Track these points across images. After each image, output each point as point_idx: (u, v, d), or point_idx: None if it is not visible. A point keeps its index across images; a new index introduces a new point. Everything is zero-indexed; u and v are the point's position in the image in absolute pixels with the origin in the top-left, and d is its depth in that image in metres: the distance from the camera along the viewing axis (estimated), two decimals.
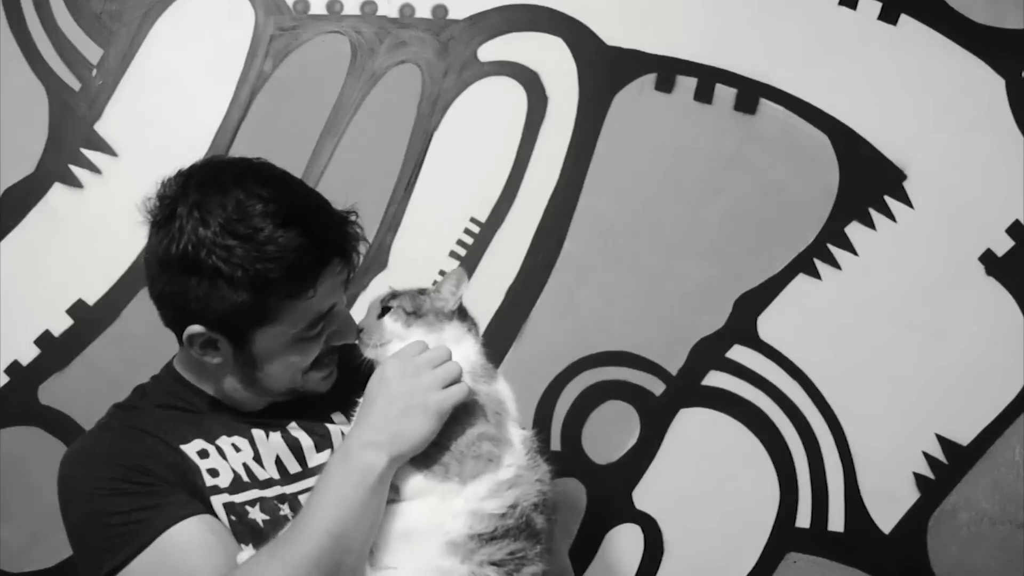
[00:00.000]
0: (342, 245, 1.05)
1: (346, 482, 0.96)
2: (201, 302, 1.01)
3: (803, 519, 1.62)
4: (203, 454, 1.07)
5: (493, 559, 0.97)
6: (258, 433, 1.11)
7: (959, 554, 1.62)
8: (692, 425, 1.62)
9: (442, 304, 1.10)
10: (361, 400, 1.04)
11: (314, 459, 1.12)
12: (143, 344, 1.52)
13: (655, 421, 1.62)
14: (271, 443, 1.11)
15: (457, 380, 1.02)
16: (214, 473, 1.06)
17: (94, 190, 1.56)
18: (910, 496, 1.62)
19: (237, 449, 1.09)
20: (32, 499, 1.54)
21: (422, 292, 1.12)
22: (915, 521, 1.62)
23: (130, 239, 1.52)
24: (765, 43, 1.61)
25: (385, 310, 1.10)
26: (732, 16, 1.61)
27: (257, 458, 1.09)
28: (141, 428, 1.07)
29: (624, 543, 1.61)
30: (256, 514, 1.05)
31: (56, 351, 1.55)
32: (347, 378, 1.15)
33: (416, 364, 1.01)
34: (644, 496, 1.62)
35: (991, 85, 1.61)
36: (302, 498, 1.08)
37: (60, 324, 1.55)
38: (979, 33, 1.61)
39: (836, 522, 1.62)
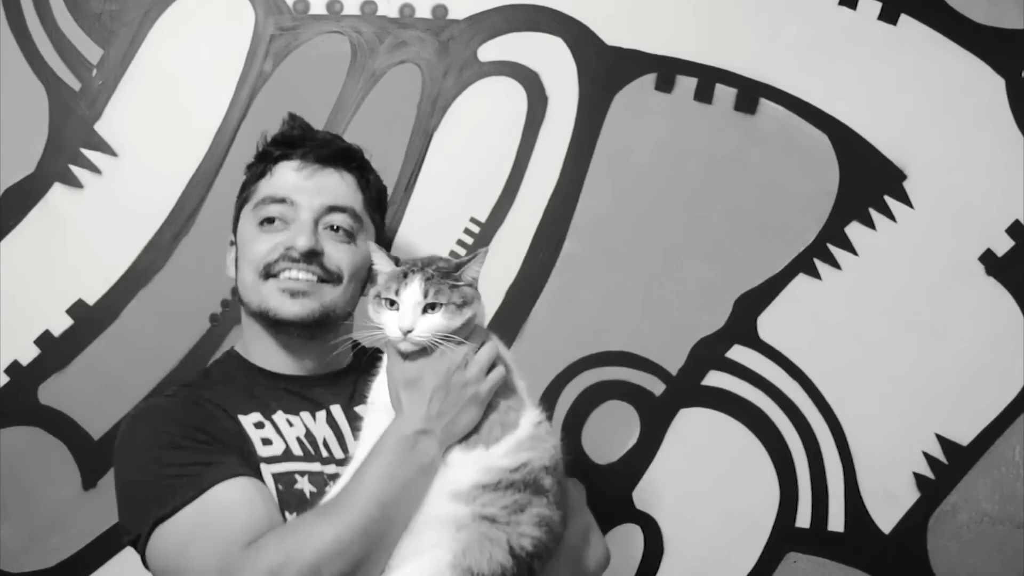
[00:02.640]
0: (301, 145, 1.23)
1: (400, 462, 1.01)
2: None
3: (803, 519, 1.62)
4: (259, 425, 1.15)
5: (495, 504, 1.00)
6: (306, 415, 1.19)
7: (959, 554, 1.62)
8: (692, 425, 1.62)
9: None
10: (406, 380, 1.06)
11: (353, 447, 1.15)
12: (143, 344, 1.54)
13: (655, 421, 1.62)
14: (319, 425, 1.18)
15: (494, 362, 1.08)
16: (267, 442, 1.13)
17: (94, 190, 1.56)
18: (910, 496, 1.62)
19: (291, 424, 1.17)
20: (32, 499, 1.53)
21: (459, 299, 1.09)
22: (915, 521, 1.62)
23: (130, 239, 1.56)
24: (765, 43, 1.61)
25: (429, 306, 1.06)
26: (732, 16, 1.61)
27: (309, 435, 1.16)
28: (203, 398, 1.16)
29: (624, 543, 1.61)
30: (304, 484, 1.11)
31: (56, 351, 1.55)
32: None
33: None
34: (644, 496, 1.62)
35: (991, 85, 1.62)
36: None
37: (60, 324, 1.55)
38: (979, 33, 1.61)
39: (836, 522, 1.62)
